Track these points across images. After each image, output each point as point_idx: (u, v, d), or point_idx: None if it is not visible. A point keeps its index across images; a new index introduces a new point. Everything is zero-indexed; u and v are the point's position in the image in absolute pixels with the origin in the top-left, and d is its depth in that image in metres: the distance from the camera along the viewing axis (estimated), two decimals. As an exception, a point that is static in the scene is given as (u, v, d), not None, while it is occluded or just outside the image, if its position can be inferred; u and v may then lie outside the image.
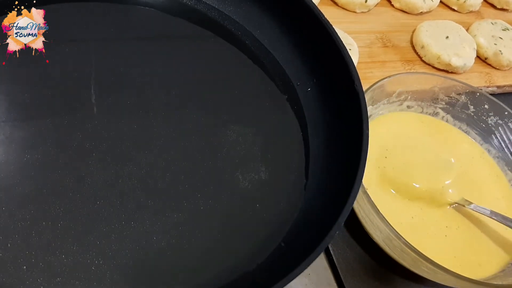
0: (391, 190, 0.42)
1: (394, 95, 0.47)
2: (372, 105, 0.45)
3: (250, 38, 0.43)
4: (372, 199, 0.36)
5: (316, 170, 0.37)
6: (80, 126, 0.35)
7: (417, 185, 0.41)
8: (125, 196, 0.32)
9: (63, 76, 0.37)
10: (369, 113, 0.38)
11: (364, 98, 0.35)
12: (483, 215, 0.41)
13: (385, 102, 0.47)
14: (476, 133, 0.49)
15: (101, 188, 0.32)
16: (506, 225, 0.39)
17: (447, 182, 0.42)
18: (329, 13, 0.53)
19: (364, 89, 0.36)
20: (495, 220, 0.40)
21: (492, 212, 0.40)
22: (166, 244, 0.31)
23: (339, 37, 0.38)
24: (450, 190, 0.42)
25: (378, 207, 0.36)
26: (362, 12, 0.61)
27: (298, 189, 0.36)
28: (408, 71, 0.56)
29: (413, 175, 0.42)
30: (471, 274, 0.39)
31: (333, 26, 0.39)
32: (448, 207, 0.43)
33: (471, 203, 0.41)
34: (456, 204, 0.42)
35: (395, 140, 0.45)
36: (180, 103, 0.38)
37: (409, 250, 0.34)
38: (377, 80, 0.43)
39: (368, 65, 0.55)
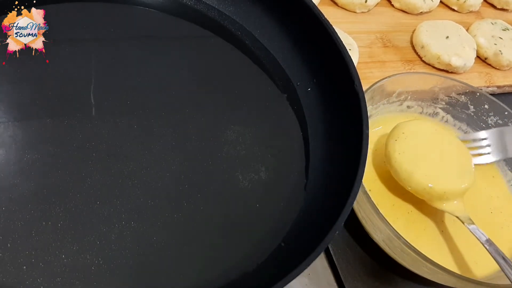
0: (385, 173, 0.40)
1: (394, 95, 0.47)
2: (372, 105, 0.45)
3: (250, 38, 0.43)
4: (367, 191, 0.36)
5: (316, 170, 0.37)
6: (80, 126, 0.35)
7: (418, 178, 0.39)
8: (125, 196, 0.32)
9: (63, 76, 0.37)
10: (369, 113, 0.38)
11: (364, 98, 0.35)
12: (482, 213, 0.41)
13: (385, 102, 0.47)
14: (476, 133, 0.49)
15: (101, 188, 0.32)
16: (494, 258, 0.35)
17: (462, 186, 0.39)
18: (329, 13, 0.54)
19: (364, 89, 0.36)
20: (487, 250, 0.36)
21: (488, 240, 0.37)
22: (166, 244, 0.31)
23: (339, 37, 0.38)
24: (455, 202, 0.39)
25: (374, 202, 0.35)
26: (362, 12, 0.61)
27: (298, 189, 0.36)
28: (408, 71, 0.56)
29: (419, 167, 0.39)
30: (467, 272, 0.39)
31: (333, 26, 0.39)
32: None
33: (472, 223, 0.38)
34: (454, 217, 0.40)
35: (415, 130, 0.42)
36: (180, 103, 0.38)
37: (409, 250, 0.34)
38: (377, 80, 0.43)
39: (368, 65, 0.55)
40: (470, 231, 0.38)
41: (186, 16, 0.43)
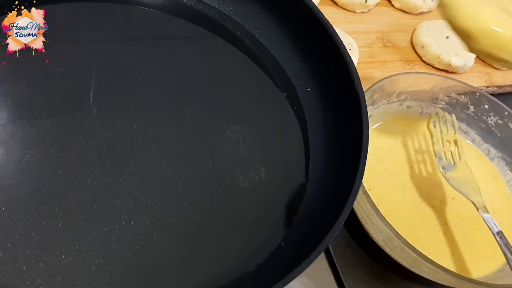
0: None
1: (394, 95, 0.47)
2: (372, 105, 0.44)
3: (250, 38, 0.43)
4: (369, 191, 0.36)
5: (316, 170, 0.37)
6: (80, 126, 0.35)
7: (483, 17, 0.30)
8: (125, 196, 0.32)
9: (63, 76, 0.37)
10: (369, 113, 0.38)
11: (364, 98, 0.35)
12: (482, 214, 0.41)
13: (385, 102, 0.47)
14: (476, 133, 0.49)
15: (101, 188, 0.32)
16: (503, 251, 0.35)
17: None
18: (329, 13, 0.53)
19: (364, 89, 0.36)
20: (497, 242, 0.36)
21: (499, 232, 0.36)
22: (166, 244, 0.31)
23: (339, 37, 0.38)
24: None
25: (376, 204, 0.35)
26: (362, 12, 0.61)
27: (298, 189, 0.36)
28: (408, 71, 0.56)
29: (484, 8, 0.31)
30: (469, 273, 0.39)
31: (333, 26, 0.39)
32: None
33: (487, 212, 0.38)
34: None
35: None
36: (180, 103, 0.38)
37: (409, 250, 0.34)
38: (377, 80, 0.43)
39: (368, 65, 0.55)
40: (484, 219, 0.37)
41: (186, 16, 0.43)
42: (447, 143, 0.45)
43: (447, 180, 0.42)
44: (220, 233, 0.33)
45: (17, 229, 0.30)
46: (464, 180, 0.42)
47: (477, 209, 0.39)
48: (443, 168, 0.42)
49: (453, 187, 0.41)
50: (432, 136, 0.45)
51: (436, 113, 0.46)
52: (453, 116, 0.46)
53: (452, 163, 0.43)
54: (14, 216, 0.30)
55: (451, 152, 0.44)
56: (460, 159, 0.43)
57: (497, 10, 0.32)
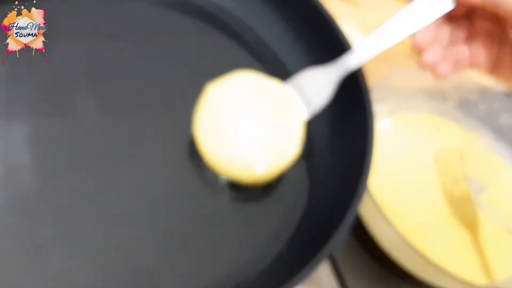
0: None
1: (401, 91, 0.46)
2: (379, 102, 0.43)
3: (250, 33, 0.42)
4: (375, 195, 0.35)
5: (319, 171, 0.36)
6: (79, 126, 0.34)
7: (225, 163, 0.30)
8: (124, 197, 0.32)
9: (63, 76, 0.36)
10: (375, 110, 0.37)
11: (370, 95, 0.34)
12: (493, 219, 0.40)
13: (392, 98, 0.46)
14: (486, 132, 0.48)
15: (99, 189, 0.32)
16: None
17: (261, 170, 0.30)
18: (333, 7, 0.52)
19: (370, 86, 0.35)
20: None
21: None
22: (163, 249, 0.31)
23: (342, 31, 0.37)
24: None
25: (383, 208, 0.35)
26: (366, 5, 0.60)
27: (300, 192, 0.35)
28: (416, 66, 0.55)
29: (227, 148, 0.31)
30: (479, 279, 0.38)
31: (338, 19, 0.38)
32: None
33: None
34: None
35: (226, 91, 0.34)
36: (180, 101, 0.38)
37: (418, 257, 0.33)
38: (383, 76, 0.43)
39: (374, 60, 0.54)
40: None
41: (185, 12, 0.42)
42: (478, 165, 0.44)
43: (477, 203, 0.41)
44: (220, 237, 0.32)
45: (6, 234, 0.29)
46: (494, 204, 0.41)
47: (510, 234, 0.38)
48: (474, 192, 0.42)
49: (483, 210, 0.40)
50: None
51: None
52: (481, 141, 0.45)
53: (483, 186, 0.42)
54: (6, 219, 0.29)
55: (482, 176, 0.43)
56: (491, 183, 0.43)
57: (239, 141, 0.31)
